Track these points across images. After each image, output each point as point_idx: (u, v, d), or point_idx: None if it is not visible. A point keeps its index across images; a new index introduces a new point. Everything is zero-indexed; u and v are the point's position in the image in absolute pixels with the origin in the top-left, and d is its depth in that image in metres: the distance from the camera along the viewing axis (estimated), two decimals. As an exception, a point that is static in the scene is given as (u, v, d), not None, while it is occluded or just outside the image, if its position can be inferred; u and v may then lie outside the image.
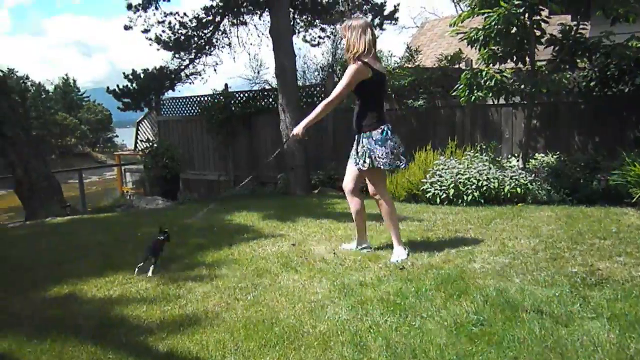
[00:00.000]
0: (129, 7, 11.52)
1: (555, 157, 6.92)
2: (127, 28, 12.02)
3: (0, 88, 8.86)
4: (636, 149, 6.04)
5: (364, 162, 3.97)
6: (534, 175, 6.44)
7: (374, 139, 3.92)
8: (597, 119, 7.05)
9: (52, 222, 7.14)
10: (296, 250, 4.44)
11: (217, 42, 12.50)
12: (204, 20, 11.86)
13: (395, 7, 12.32)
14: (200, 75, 12.77)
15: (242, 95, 11.07)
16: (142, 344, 2.68)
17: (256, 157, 10.75)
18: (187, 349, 2.58)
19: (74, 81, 47.84)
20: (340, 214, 5.96)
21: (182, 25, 11.83)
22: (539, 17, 6.31)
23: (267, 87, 13.34)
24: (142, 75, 11.83)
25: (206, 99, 11.35)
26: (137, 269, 3.94)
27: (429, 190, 6.69)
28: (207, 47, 12.34)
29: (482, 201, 6.36)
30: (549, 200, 6.20)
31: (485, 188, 6.35)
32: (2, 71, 14.33)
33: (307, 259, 4.11)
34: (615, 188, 5.79)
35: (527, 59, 6.56)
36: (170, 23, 11.80)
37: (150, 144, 10.61)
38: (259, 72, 17.17)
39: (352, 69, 3.86)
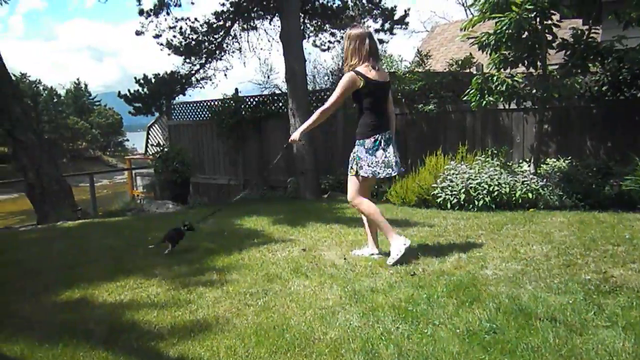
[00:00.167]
0: (141, 12, 11.62)
1: (566, 161, 6.87)
2: (138, 33, 12.10)
3: (13, 92, 8.94)
4: (649, 154, 5.98)
5: (351, 167, 4.15)
6: (545, 180, 6.40)
7: (365, 147, 4.05)
8: (608, 124, 7.00)
9: (63, 226, 7.18)
10: (306, 255, 4.43)
11: (227, 46, 12.56)
12: (215, 25, 11.92)
13: (405, 11, 12.34)
14: (211, 80, 12.83)
15: (252, 100, 11.10)
16: (153, 349, 2.68)
17: (266, 161, 10.76)
18: (198, 355, 2.58)
19: (85, 85, 48.33)
20: (350, 219, 5.95)
21: (193, 30, 11.90)
22: (550, 21, 6.26)
23: (277, 91, 13.35)
24: (153, 80, 11.91)
25: (216, 103, 11.39)
26: (151, 246, 4.73)
27: (439, 195, 6.66)
28: (218, 52, 12.40)
29: (493, 206, 6.32)
30: (561, 206, 6.15)
31: (496, 193, 6.31)
32: (14, 75, 14.47)
33: (318, 264, 4.10)
34: (628, 193, 5.74)
35: (538, 63, 6.52)
36: (181, 28, 11.89)
37: (161, 147, 10.67)
38: (268, 77, 17.26)
39: (344, 78, 4.01)
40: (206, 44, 12.12)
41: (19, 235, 6.95)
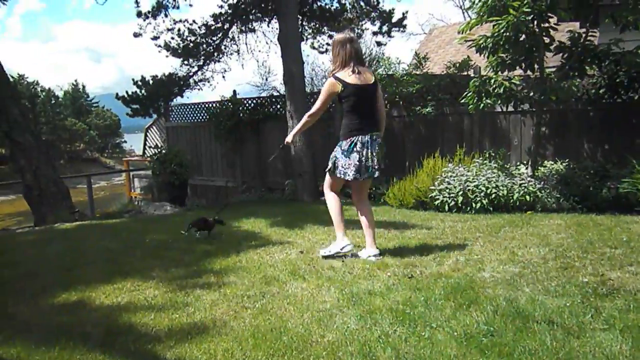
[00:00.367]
0: (139, 14, 11.61)
1: (564, 164, 6.88)
2: (136, 35, 12.11)
3: (11, 94, 8.93)
4: (646, 157, 6.00)
5: (328, 165, 4.34)
6: (542, 183, 6.41)
7: (342, 148, 4.20)
8: (606, 126, 7.01)
9: (60, 228, 7.16)
10: (304, 257, 4.43)
11: (225, 48, 12.56)
12: (213, 27, 11.93)
13: (403, 14, 12.37)
14: (209, 82, 12.82)
15: (250, 102, 11.10)
16: (150, 352, 2.68)
17: (264, 163, 10.75)
18: (195, 358, 2.57)
19: (83, 87, 48.24)
20: (348, 221, 5.92)
21: (191, 32, 11.90)
22: (547, 24, 6.29)
23: (275, 93, 13.39)
24: (151, 82, 11.90)
25: (214, 105, 11.37)
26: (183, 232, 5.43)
27: (437, 197, 6.67)
28: (216, 54, 12.39)
29: (491, 209, 6.33)
30: (558, 208, 6.16)
31: (493, 195, 6.32)
32: (12, 77, 14.45)
33: (315, 266, 4.10)
34: (625, 196, 5.75)
35: (536, 66, 6.54)
36: (179, 30, 11.89)
37: (159, 149, 10.65)
38: (266, 79, 17.27)
39: (325, 84, 4.26)
40: (204, 45, 12.12)
41: (16, 237, 6.93)
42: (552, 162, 7.07)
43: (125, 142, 50.48)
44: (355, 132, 4.14)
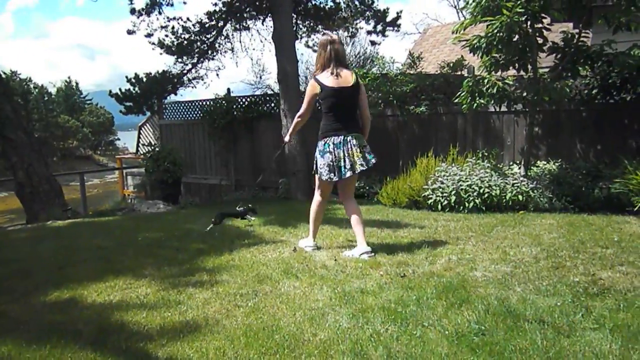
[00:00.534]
0: (132, 11, 11.57)
1: (556, 164, 6.92)
2: (130, 32, 12.05)
3: (3, 90, 8.88)
4: (638, 157, 6.03)
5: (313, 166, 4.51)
6: (535, 183, 6.44)
7: (318, 148, 4.38)
8: (598, 127, 7.05)
9: (52, 225, 7.14)
10: (297, 256, 4.43)
11: (219, 46, 12.53)
12: (207, 25, 11.89)
13: (397, 13, 12.36)
14: (203, 80, 12.80)
15: (244, 100, 11.07)
16: (142, 351, 2.67)
17: (258, 161, 10.75)
18: (187, 356, 2.57)
19: (77, 84, 47.99)
20: (341, 220, 5.95)
21: (185, 29, 11.86)
22: (540, 25, 6.32)
23: (269, 91, 13.37)
24: (144, 79, 11.86)
25: (208, 103, 11.35)
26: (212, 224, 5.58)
27: (430, 196, 6.69)
28: (210, 52, 12.37)
29: (484, 208, 6.36)
30: (551, 208, 6.20)
31: (486, 195, 6.35)
32: (4, 73, 14.37)
33: (308, 265, 4.10)
34: (617, 196, 5.79)
35: (529, 67, 6.56)
36: (173, 27, 11.85)
37: (152, 147, 10.62)
38: (261, 77, 17.27)
39: (308, 86, 4.43)
40: (198, 43, 12.09)
41: (8, 235, 6.90)
42: (545, 162, 7.10)
43: (118, 139, 50.27)
44: (329, 133, 4.28)
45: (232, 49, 12.81)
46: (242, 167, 11.16)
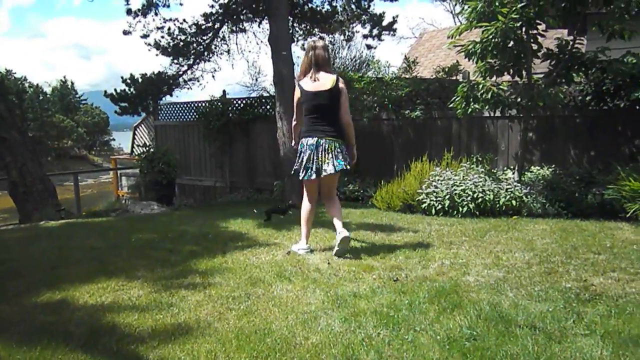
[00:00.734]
0: (129, 12, 11.55)
1: (550, 170, 6.95)
2: (126, 33, 12.03)
3: (-2, 89, 8.85)
4: (631, 164, 6.07)
5: None
6: (529, 188, 6.46)
7: (298, 150, 4.59)
8: (592, 133, 7.09)
9: (46, 226, 7.10)
10: (290, 259, 4.43)
11: (215, 48, 12.52)
12: (203, 27, 11.88)
13: (393, 17, 12.38)
14: (198, 81, 12.77)
15: (239, 102, 11.07)
16: (133, 353, 2.66)
17: (253, 163, 10.74)
18: (178, 359, 2.56)
19: (72, 83, 47.86)
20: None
21: (181, 31, 11.85)
22: (535, 31, 6.36)
23: (265, 94, 13.33)
24: (140, 80, 11.83)
25: (204, 104, 11.34)
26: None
27: (424, 200, 6.70)
28: (206, 53, 12.35)
29: (477, 213, 6.37)
30: (544, 213, 6.22)
31: (480, 200, 6.36)
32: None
33: (301, 268, 4.10)
34: (610, 202, 5.81)
35: (524, 72, 6.60)
36: (169, 29, 11.83)
37: (147, 148, 10.60)
38: (256, 79, 17.22)
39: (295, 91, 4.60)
40: (194, 45, 12.08)
41: (0, 235, 6.86)
42: (539, 168, 7.13)
43: (113, 140, 50.15)
44: (305, 134, 4.48)
45: (228, 51, 12.80)
46: (237, 169, 11.15)
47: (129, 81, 11.77)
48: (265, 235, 5.59)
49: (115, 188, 16.85)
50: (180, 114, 12.34)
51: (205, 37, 12.11)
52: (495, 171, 7.17)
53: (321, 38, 12.74)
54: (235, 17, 11.92)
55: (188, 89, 12.76)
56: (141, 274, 4.09)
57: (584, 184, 6.38)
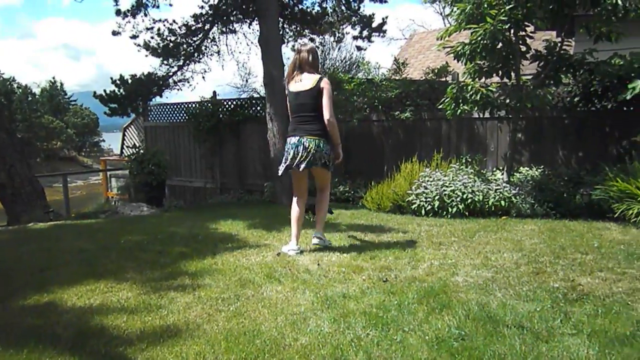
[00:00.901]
0: (118, 12, 11.47)
1: (539, 170, 6.99)
2: (115, 33, 11.95)
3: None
4: (618, 164, 6.12)
5: None
6: (517, 189, 6.50)
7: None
8: (580, 134, 7.15)
9: (34, 227, 7.05)
10: (280, 260, 4.43)
11: (205, 49, 12.46)
12: (193, 28, 11.83)
13: (383, 19, 12.37)
14: (188, 82, 12.69)
15: (229, 103, 11.05)
16: (121, 355, 2.65)
17: (243, 164, 10.72)
18: (167, 361, 2.56)
19: (61, 84, 47.55)
20: (325, 224, 5.95)
21: (171, 32, 11.79)
22: (524, 33, 6.40)
23: (255, 95, 13.31)
24: (130, 81, 11.75)
25: (194, 105, 11.30)
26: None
27: (414, 201, 6.72)
28: (196, 54, 12.30)
29: (467, 213, 6.40)
30: (533, 214, 6.26)
31: (469, 200, 6.40)
32: (-13, 73, 14.20)
33: (291, 269, 4.10)
34: (598, 202, 5.86)
35: (512, 74, 6.64)
36: (159, 29, 11.76)
37: (136, 149, 10.54)
38: (247, 80, 17.13)
39: None
40: (184, 46, 12.02)
41: (-13, 237, 6.80)
42: (528, 168, 7.17)
43: (103, 141, 49.87)
44: (289, 134, 4.63)
45: (218, 52, 12.75)
46: (227, 170, 11.12)
47: (118, 82, 11.69)
48: (256, 236, 5.59)
49: (104, 189, 16.76)
50: (170, 115, 12.30)
51: (195, 38, 12.06)
52: (484, 172, 7.20)
53: (311, 39, 12.77)
54: (225, 18, 11.88)
55: (178, 90, 12.69)
56: (130, 276, 4.07)
57: (572, 184, 6.43)
